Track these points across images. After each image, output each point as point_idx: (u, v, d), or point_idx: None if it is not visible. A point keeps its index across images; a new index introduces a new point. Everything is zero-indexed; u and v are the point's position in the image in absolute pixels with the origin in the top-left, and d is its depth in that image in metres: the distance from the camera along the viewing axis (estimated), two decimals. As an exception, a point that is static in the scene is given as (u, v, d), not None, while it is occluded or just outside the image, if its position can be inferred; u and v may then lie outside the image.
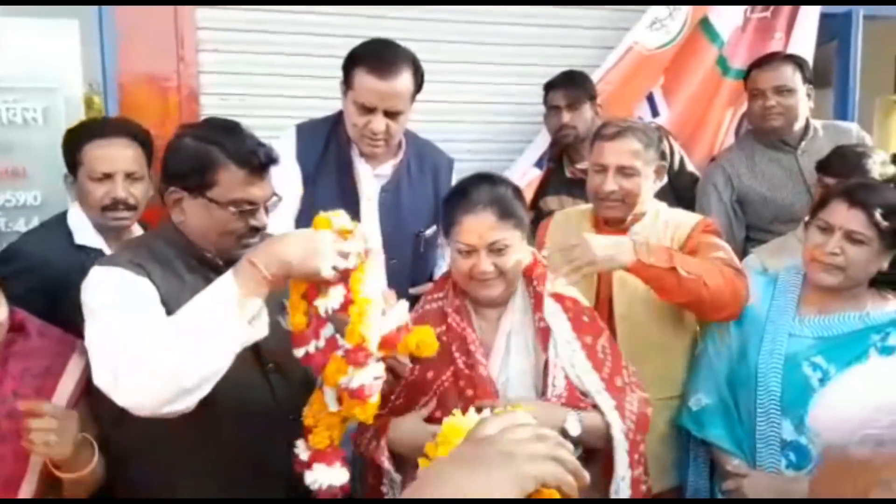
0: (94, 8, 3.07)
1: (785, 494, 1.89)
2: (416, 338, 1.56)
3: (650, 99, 3.51)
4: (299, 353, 1.56)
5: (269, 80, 3.20)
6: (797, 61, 3.01)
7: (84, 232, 2.20)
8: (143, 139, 2.25)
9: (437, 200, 2.44)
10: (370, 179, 2.42)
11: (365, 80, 2.25)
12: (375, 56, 2.27)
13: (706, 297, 1.97)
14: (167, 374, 1.42)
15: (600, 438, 1.73)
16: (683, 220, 2.30)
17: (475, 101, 3.51)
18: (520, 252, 1.81)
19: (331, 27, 3.26)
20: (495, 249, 1.76)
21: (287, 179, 2.21)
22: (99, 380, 1.49)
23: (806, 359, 1.97)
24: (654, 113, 3.52)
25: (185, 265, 1.67)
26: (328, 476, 1.59)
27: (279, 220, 2.12)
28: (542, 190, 3.22)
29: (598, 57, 3.48)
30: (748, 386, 1.99)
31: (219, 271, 1.61)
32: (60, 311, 1.92)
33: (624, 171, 2.18)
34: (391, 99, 2.26)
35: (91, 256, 2.08)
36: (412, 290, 2.24)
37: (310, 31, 3.23)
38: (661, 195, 2.99)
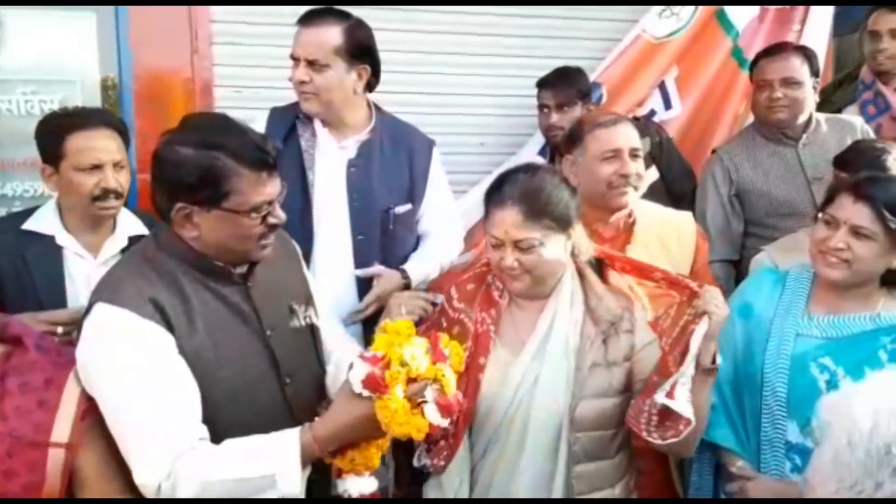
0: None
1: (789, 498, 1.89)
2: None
3: (663, 91, 3.48)
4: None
5: (283, 72, 3.18)
6: (806, 53, 2.96)
7: (42, 218, 2.19)
8: (122, 128, 2.24)
9: (412, 180, 2.47)
10: (334, 151, 2.42)
11: (295, 33, 2.36)
12: (307, 12, 2.37)
13: None
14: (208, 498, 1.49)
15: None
16: (680, 221, 2.34)
17: (481, 94, 3.51)
18: (553, 250, 1.76)
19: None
20: (521, 247, 1.74)
21: None
22: (141, 479, 1.50)
23: (813, 360, 1.94)
24: (667, 105, 3.51)
25: (190, 279, 1.61)
26: (358, 486, 1.62)
27: None
28: None
29: (605, 49, 3.48)
30: (753, 386, 1.98)
31: (226, 279, 1.63)
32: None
33: (635, 154, 2.21)
34: (308, 46, 2.31)
35: (37, 244, 2.11)
36: (357, 272, 2.24)
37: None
38: (654, 191, 3.02)
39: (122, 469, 1.63)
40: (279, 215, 1.64)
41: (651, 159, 3.16)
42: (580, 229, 1.87)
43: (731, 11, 3.47)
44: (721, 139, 3.44)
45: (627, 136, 2.20)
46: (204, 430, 1.55)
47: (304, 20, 2.35)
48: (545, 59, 3.44)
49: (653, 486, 2.15)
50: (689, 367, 1.62)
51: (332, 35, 2.30)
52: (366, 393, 1.50)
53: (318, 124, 2.42)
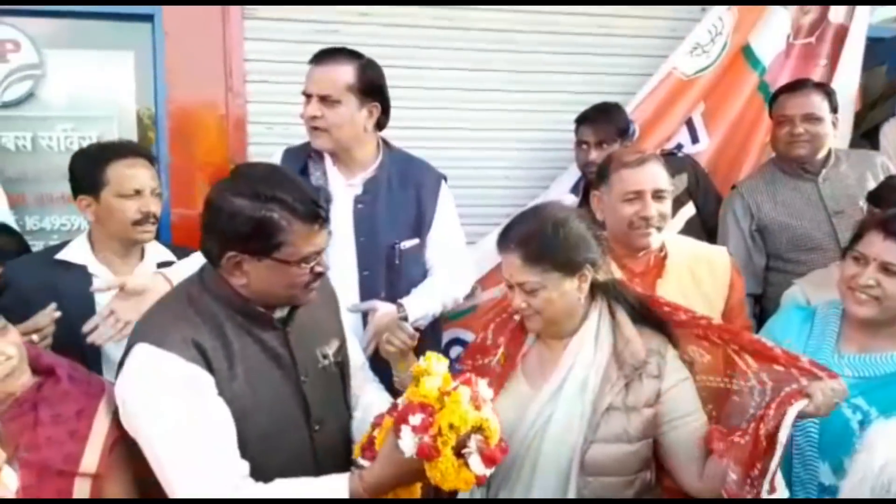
0: (149, 39, 3.20)
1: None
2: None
3: (690, 126, 3.50)
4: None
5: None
6: (826, 90, 2.98)
7: (75, 249, 2.27)
8: (153, 159, 2.35)
9: (419, 215, 2.47)
10: (343, 188, 2.45)
11: (308, 71, 2.41)
12: (321, 51, 2.43)
13: None
14: None
15: None
16: (713, 255, 2.32)
17: (512, 129, 3.54)
18: (559, 293, 1.75)
19: (378, 58, 3.29)
20: (525, 290, 1.76)
21: None
22: None
23: (846, 399, 1.91)
24: (694, 139, 3.52)
25: (233, 324, 1.64)
26: None
27: None
28: None
29: (636, 84, 3.50)
30: (784, 427, 1.96)
31: (267, 324, 1.67)
32: None
33: (658, 196, 2.19)
34: (321, 83, 2.36)
35: (68, 273, 2.17)
36: (349, 307, 2.19)
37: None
38: (691, 226, 3.02)
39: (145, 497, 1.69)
40: (325, 264, 1.69)
41: (688, 195, 3.17)
42: (610, 267, 1.87)
43: (758, 47, 3.49)
44: (748, 171, 3.43)
45: (652, 178, 2.18)
46: (246, 467, 1.58)
47: (318, 59, 2.41)
48: (575, 94, 3.50)
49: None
50: (779, 452, 1.58)
51: (344, 72, 2.35)
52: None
53: (328, 162, 2.46)
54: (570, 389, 1.75)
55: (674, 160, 3.30)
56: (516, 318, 1.90)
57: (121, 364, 1.63)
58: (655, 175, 2.19)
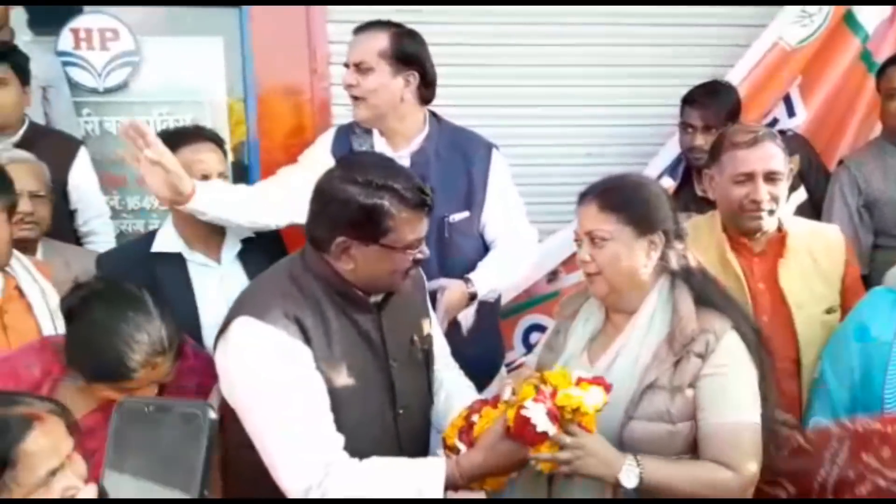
0: (237, 25, 3.31)
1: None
2: None
3: (786, 99, 3.34)
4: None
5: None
6: None
7: (165, 238, 2.28)
8: (220, 142, 2.35)
9: (469, 187, 2.41)
10: None
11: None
12: (362, 23, 2.41)
13: None
14: None
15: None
16: (829, 233, 2.24)
17: (591, 104, 3.49)
18: (627, 250, 1.72)
19: (461, 36, 3.35)
20: (593, 239, 1.73)
21: (320, 165, 2.20)
22: (288, 484, 1.58)
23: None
24: (791, 113, 3.35)
25: (332, 304, 1.69)
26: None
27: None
28: None
29: (730, 56, 3.36)
30: (873, 413, 1.85)
31: (362, 307, 1.72)
32: None
33: (771, 178, 2.10)
34: (356, 51, 2.34)
35: (165, 262, 2.21)
36: (429, 284, 2.14)
37: (438, 42, 3.32)
38: (802, 212, 2.89)
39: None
40: (425, 251, 1.72)
41: (800, 178, 3.03)
42: (682, 248, 1.80)
43: (861, 13, 3.28)
44: (847, 146, 3.27)
45: (765, 159, 2.09)
46: (341, 440, 1.62)
47: (357, 30, 2.41)
48: (664, 67, 3.42)
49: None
50: None
51: (378, 40, 2.33)
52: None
53: (375, 135, 2.44)
54: (621, 366, 1.73)
55: (785, 140, 3.16)
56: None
57: (219, 336, 1.69)
58: (769, 156, 2.10)
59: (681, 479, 1.62)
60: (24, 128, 2.84)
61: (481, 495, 1.70)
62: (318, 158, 2.37)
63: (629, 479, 1.58)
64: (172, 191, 2.06)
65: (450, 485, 1.60)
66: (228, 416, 1.69)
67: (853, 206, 2.83)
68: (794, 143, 3.10)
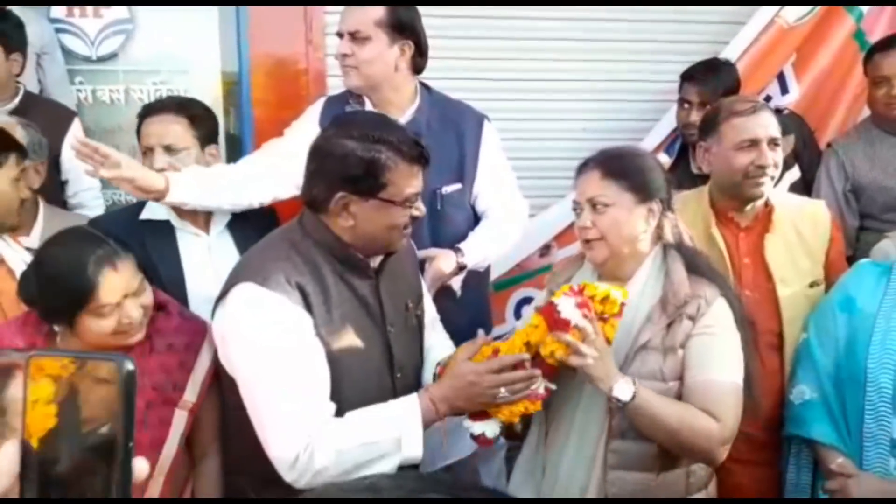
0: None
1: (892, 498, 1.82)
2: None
3: (780, 76, 3.35)
4: None
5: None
6: None
7: (155, 208, 2.28)
8: (190, 114, 2.30)
9: (461, 158, 2.41)
10: None
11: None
12: None
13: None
14: (340, 473, 1.58)
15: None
16: (814, 209, 2.27)
17: (589, 80, 3.50)
18: (628, 215, 1.76)
19: (458, 9, 3.35)
20: (594, 205, 1.77)
21: (307, 139, 2.21)
22: (277, 452, 1.60)
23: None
24: (784, 90, 3.38)
25: (331, 270, 1.70)
26: (483, 427, 1.71)
27: (295, 169, 2.12)
28: None
29: (727, 32, 3.36)
30: (856, 383, 1.90)
31: (361, 272, 1.73)
32: None
33: (774, 143, 2.14)
34: (351, 20, 2.33)
35: (154, 230, 2.22)
36: (419, 253, 2.18)
37: (436, 14, 3.32)
38: (795, 189, 2.92)
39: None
40: (421, 208, 1.74)
41: (794, 157, 3.05)
42: (674, 219, 1.85)
43: (856, -9, 3.31)
44: (838, 124, 3.30)
45: (766, 126, 2.14)
46: (332, 408, 1.65)
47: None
48: (659, 42, 3.43)
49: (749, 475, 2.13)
50: None
51: (374, 9, 2.33)
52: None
53: (368, 106, 2.42)
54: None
55: (781, 119, 3.16)
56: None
57: (219, 301, 1.70)
58: (770, 123, 2.16)
59: (668, 411, 1.66)
60: (20, 97, 2.81)
61: (495, 425, 1.72)
62: (306, 130, 2.34)
63: (623, 391, 1.63)
64: (145, 192, 2.07)
65: (429, 417, 1.64)
66: (226, 379, 1.72)
67: (839, 190, 2.84)
68: (789, 121, 3.13)
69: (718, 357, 1.73)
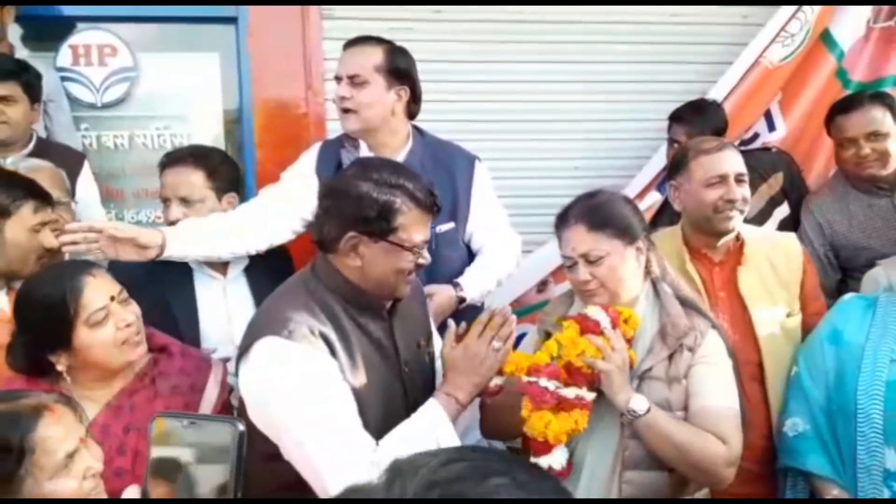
0: (233, 41, 3.38)
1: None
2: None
3: (766, 114, 3.45)
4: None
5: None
6: (884, 100, 2.79)
7: None
8: (206, 164, 2.39)
9: (454, 198, 2.45)
10: None
11: (340, 57, 2.47)
12: (352, 38, 2.48)
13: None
14: None
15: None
16: (786, 242, 2.34)
17: (581, 120, 3.59)
18: (622, 261, 1.83)
19: (455, 54, 3.47)
20: (590, 260, 1.83)
21: (305, 189, 2.35)
22: (336, 489, 1.55)
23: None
24: (771, 127, 3.46)
25: (347, 316, 1.72)
26: (550, 460, 1.75)
27: (289, 215, 2.35)
28: (656, 220, 3.13)
29: (714, 73, 3.46)
30: (847, 414, 1.96)
31: (375, 315, 1.76)
32: None
33: (740, 179, 2.21)
34: (350, 64, 2.39)
35: (173, 271, 2.27)
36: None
37: (429, 59, 3.41)
38: (784, 225, 2.98)
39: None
40: (427, 257, 1.77)
41: (783, 195, 3.11)
42: (658, 253, 1.95)
43: (837, 31, 3.40)
44: (824, 160, 3.37)
45: (732, 162, 2.22)
46: (372, 440, 1.66)
47: (349, 45, 2.46)
48: (654, 83, 3.52)
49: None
50: None
51: (373, 54, 2.40)
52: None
53: (363, 149, 2.48)
54: None
55: (768, 157, 3.24)
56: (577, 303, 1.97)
57: (241, 357, 1.69)
58: (736, 159, 2.24)
59: (679, 429, 1.74)
60: (33, 143, 2.90)
61: (560, 455, 1.76)
62: (302, 175, 2.44)
63: (639, 403, 1.71)
64: (143, 251, 2.14)
65: (452, 410, 1.69)
66: (249, 430, 1.72)
67: (820, 250, 2.84)
68: (778, 159, 3.21)
69: (719, 384, 1.82)
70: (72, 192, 2.66)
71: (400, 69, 2.43)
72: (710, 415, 1.77)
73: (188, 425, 0.94)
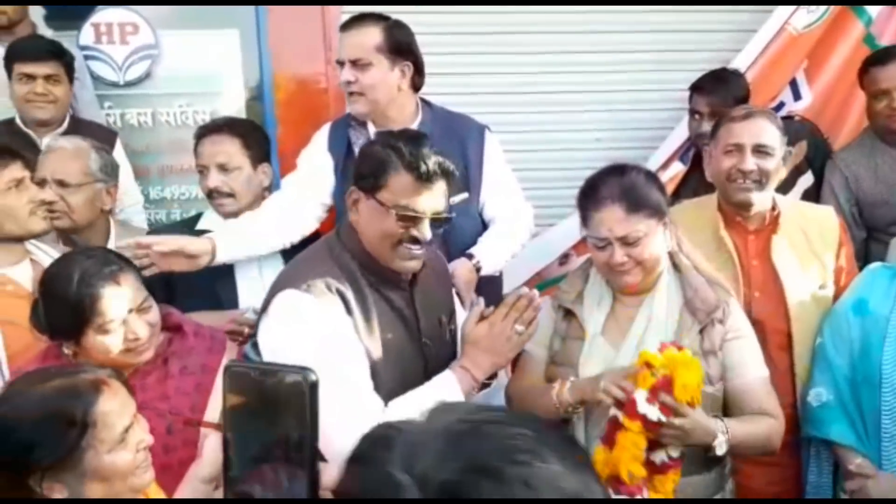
0: (253, 18, 3.38)
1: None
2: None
3: (792, 82, 3.39)
4: None
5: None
6: None
7: (209, 220, 2.41)
8: (245, 133, 2.43)
9: (466, 169, 2.42)
10: None
11: (338, 39, 2.47)
12: (347, 19, 2.47)
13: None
14: None
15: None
16: (823, 215, 2.31)
17: (601, 91, 3.56)
18: (656, 240, 1.83)
19: (475, 26, 3.44)
20: (628, 242, 1.80)
21: (317, 167, 2.41)
22: (341, 446, 1.55)
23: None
24: (797, 96, 3.40)
25: (367, 280, 1.75)
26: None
27: (310, 202, 2.39)
28: (679, 191, 3.11)
29: (737, 41, 3.41)
30: (872, 384, 1.95)
31: (394, 284, 1.77)
32: (177, 294, 2.21)
33: (760, 151, 2.16)
34: (350, 48, 2.39)
35: None
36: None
37: (452, 31, 3.40)
38: (808, 195, 2.93)
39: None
40: (423, 232, 1.72)
41: (807, 164, 3.07)
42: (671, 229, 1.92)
43: (865, -4, 3.34)
44: (850, 128, 3.30)
45: (755, 132, 2.16)
46: (381, 402, 1.69)
47: (345, 26, 2.45)
48: (675, 52, 3.48)
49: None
50: None
51: (372, 35, 2.38)
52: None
53: (371, 129, 2.48)
54: (650, 342, 1.81)
55: (792, 126, 3.14)
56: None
57: (262, 312, 1.74)
58: (760, 130, 2.17)
59: (749, 435, 1.78)
60: (67, 121, 2.95)
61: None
62: (315, 157, 2.46)
63: (721, 447, 1.72)
64: (193, 260, 2.17)
65: (466, 385, 1.72)
66: None
67: (845, 206, 2.83)
68: (802, 128, 3.16)
69: (753, 356, 1.87)
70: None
71: (401, 45, 2.42)
72: (756, 389, 1.83)
73: (259, 375, 0.96)
